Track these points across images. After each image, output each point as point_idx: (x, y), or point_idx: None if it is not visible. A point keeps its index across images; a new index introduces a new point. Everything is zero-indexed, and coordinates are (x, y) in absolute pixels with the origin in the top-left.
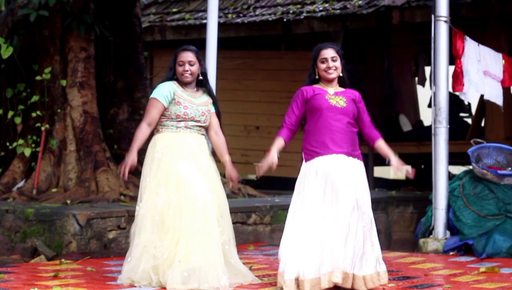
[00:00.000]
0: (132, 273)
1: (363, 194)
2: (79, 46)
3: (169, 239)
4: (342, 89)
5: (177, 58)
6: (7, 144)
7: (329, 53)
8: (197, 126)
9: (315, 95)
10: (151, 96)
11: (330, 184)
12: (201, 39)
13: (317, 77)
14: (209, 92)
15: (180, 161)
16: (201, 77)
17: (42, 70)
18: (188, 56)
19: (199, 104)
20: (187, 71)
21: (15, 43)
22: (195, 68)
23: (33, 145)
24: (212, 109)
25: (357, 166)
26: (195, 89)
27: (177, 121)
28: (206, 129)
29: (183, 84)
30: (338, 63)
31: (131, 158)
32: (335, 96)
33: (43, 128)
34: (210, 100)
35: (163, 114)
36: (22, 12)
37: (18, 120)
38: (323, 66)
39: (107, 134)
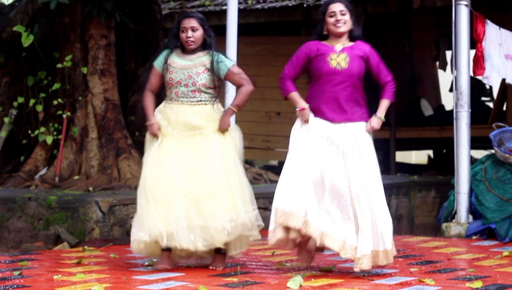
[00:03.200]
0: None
1: (358, 165)
2: (99, 33)
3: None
4: (351, 44)
5: (180, 24)
6: (29, 132)
7: (337, 6)
8: (190, 92)
9: (318, 56)
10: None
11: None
12: (221, 25)
13: (325, 33)
14: (212, 53)
15: (165, 138)
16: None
17: (63, 58)
18: (190, 22)
19: (186, 67)
20: (190, 37)
21: (36, 31)
22: (199, 34)
23: (54, 133)
24: (223, 70)
25: (353, 131)
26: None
27: (169, 90)
28: (214, 94)
29: (186, 51)
30: (347, 17)
31: (153, 121)
32: (339, 54)
33: (64, 116)
34: (208, 61)
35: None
36: (42, 0)
37: (39, 108)
38: (331, 20)
39: (128, 121)
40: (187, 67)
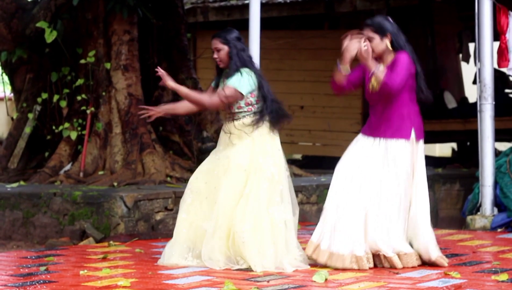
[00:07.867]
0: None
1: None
2: (122, 29)
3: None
4: (392, 58)
5: None
6: (53, 127)
7: (365, 33)
8: (226, 113)
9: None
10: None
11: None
12: (243, 19)
13: None
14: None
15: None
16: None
17: (86, 54)
18: (214, 43)
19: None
20: (217, 58)
21: (59, 27)
22: (223, 53)
23: (79, 128)
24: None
25: (383, 149)
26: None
27: (222, 112)
28: (244, 110)
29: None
30: (374, 43)
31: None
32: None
33: (88, 111)
34: None
35: None
36: None
37: (63, 103)
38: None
39: None
40: None
